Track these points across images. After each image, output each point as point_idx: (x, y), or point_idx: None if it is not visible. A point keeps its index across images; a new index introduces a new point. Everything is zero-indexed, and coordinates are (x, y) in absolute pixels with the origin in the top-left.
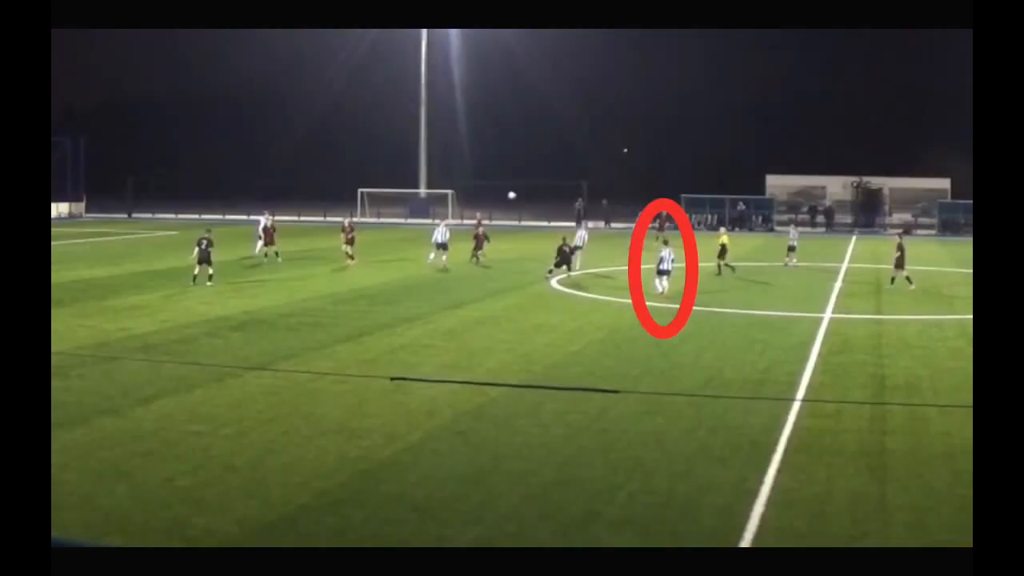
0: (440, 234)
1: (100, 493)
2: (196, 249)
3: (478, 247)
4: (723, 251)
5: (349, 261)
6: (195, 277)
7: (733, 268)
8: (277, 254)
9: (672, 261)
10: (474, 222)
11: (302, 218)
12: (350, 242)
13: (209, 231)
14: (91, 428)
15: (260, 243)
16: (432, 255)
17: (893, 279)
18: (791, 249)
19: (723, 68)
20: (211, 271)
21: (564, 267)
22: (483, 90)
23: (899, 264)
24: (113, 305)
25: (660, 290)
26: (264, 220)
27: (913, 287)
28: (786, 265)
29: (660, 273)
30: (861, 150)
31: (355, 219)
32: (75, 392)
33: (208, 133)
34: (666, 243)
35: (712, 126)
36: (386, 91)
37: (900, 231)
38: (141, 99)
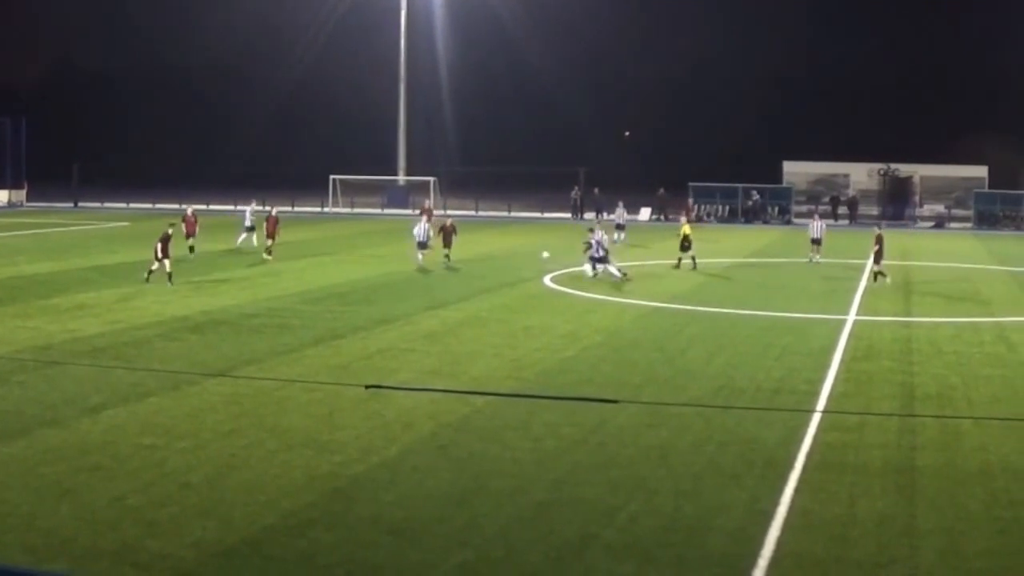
0: (421, 231)
1: (42, 513)
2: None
3: (447, 243)
4: (686, 242)
5: (267, 256)
6: (168, 275)
7: (695, 262)
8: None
9: (604, 246)
10: (440, 213)
11: (266, 208)
12: (271, 235)
13: (172, 225)
14: (32, 441)
15: (244, 234)
16: (420, 255)
17: (875, 275)
18: (815, 243)
19: (736, 40)
20: (168, 267)
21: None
22: (469, 64)
23: (877, 259)
24: (57, 304)
25: (591, 275)
26: (249, 211)
27: (888, 281)
28: (811, 261)
29: (594, 259)
30: (889, 134)
31: (281, 209)
32: (14, 401)
33: (163, 113)
34: (591, 231)
35: (724, 106)
36: (361, 65)
37: (878, 224)
38: (88, 75)
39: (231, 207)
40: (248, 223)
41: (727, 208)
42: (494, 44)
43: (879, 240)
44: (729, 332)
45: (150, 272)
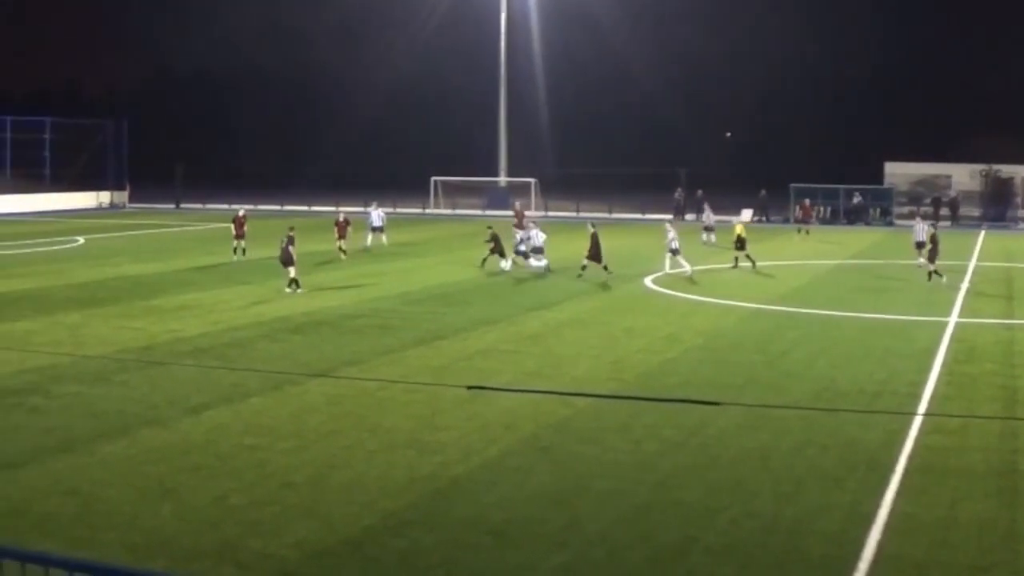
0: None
1: (144, 512)
2: (280, 250)
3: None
4: (740, 243)
5: (342, 255)
6: (292, 283)
7: (753, 263)
8: (243, 251)
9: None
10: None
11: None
12: (343, 236)
13: (292, 229)
14: (134, 440)
15: (372, 235)
16: (533, 261)
17: (930, 274)
18: (920, 246)
19: (838, 40)
20: (292, 273)
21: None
22: (568, 65)
23: (932, 257)
24: (159, 305)
25: (506, 266)
26: (375, 213)
27: (944, 280)
28: (919, 265)
29: (535, 251)
30: (991, 134)
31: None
32: (117, 400)
33: (264, 114)
34: (534, 223)
35: (826, 106)
36: (462, 66)
37: (932, 223)
38: (189, 77)
39: (332, 208)
40: (376, 223)
41: (829, 209)
42: (593, 45)
43: (934, 239)
44: (831, 334)
45: (293, 281)
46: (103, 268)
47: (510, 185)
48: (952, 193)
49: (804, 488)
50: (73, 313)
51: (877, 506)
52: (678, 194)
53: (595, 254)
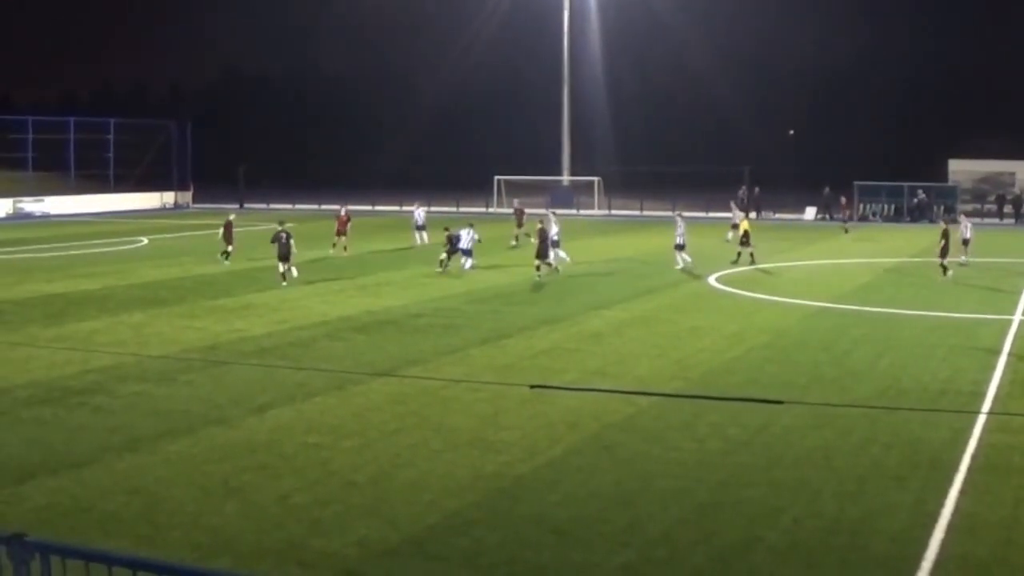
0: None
1: (208, 511)
2: (275, 245)
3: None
4: (745, 238)
5: (342, 251)
6: (284, 275)
7: (753, 258)
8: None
9: (472, 240)
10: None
11: (434, 209)
12: (343, 232)
13: (282, 223)
14: (199, 439)
15: (420, 235)
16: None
17: (944, 270)
18: (965, 243)
19: (902, 37)
20: (292, 268)
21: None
22: (631, 63)
23: (943, 253)
24: (223, 304)
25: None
26: (418, 212)
27: (951, 275)
28: (962, 263)
29: (465, 253)
30: None
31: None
32: (182, 400)
33: (328, 115)
34: (471, 225)
35: (890, 103)
36: (524, 65)
37: (945, 218)
38: (253, 79)
39: (396, 208)
40: (419, 222)
41: (892, 207)
42: (656, 42)
43: (945, 235)
44: (895, 332)
45: (283, 275)
46: (167, 268)
47: (573, 184)
48: (1016, 190)
49: (867, 487)
50: (137, 313)
51: (940, 505)
52: (741, 192)
53: (541, 250)
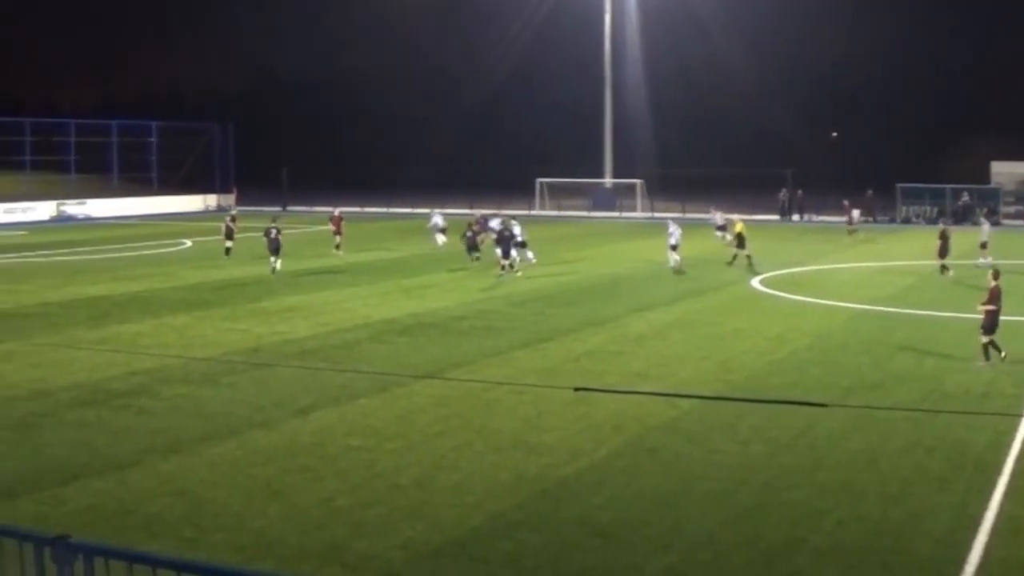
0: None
1: (251, 513)
2: (267, 240)
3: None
4: (740, 240)
5: (334, 250)
6: (274, 269)
7: (750, 260)
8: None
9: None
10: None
11: (474, 211)
12: (339, 232)
13: (275, 220)
14: (242, 442)
15: (441, 237)
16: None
17: (943, 268)
18: (983, 246)
19: (943, 39)
20: (279, 260)
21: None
22: (673, 65)
23: (943, 253)
24: (266, 307)
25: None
26: (436, 218)
27: (951, 274)
28: (977, 265)
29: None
30: None
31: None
32: (225, 402)
33: (369, 117)
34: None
35: (932, 105)
36: (566, 67)
37: (943, 220)
38: (294, 81)
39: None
40: (442, 225)
41: (936, 209)
42: (697, 45)
43: (943, 236)
44: (938, 335)
45: (273, 268)
46: (210, 271)
47: (616, 186)
48: None
49: (911, 490)
50: (181, 315)
51: (984, 508)
52: (783, 194)
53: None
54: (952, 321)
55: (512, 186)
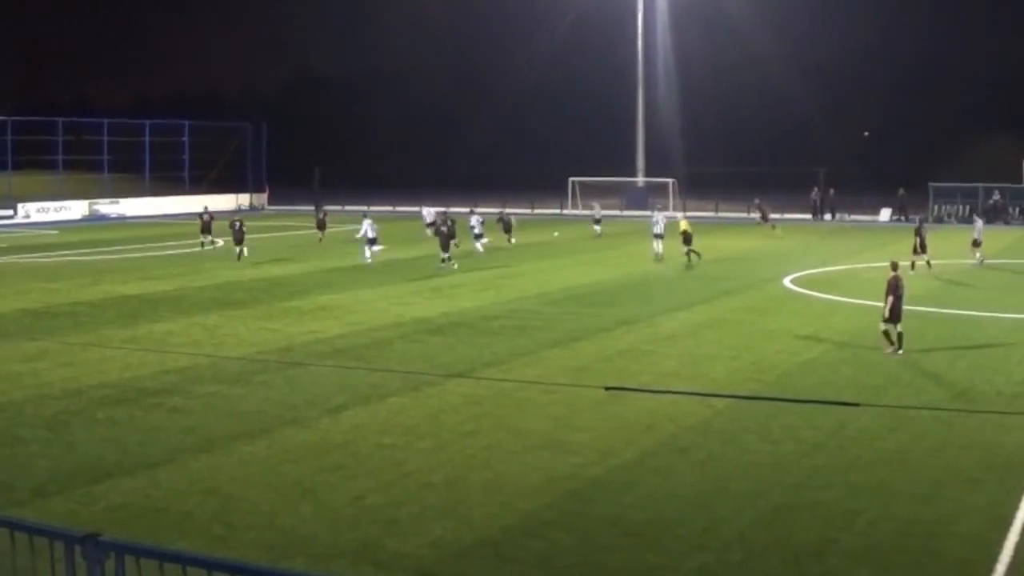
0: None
1: (283, 511)
2: (232, 231)
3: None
4: (686, 238)
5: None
6: (239, 255)
7: (698, 255)
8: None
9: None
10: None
11: (507, 210)
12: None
13: (239, 209)
14: (274, 440)
15: (484, 241)
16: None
17: (927, 263)
18: (976, 244)
19: (974, 38)
20: (244, 248)
21: None
22: (704, 64)
23: (919, 250)
24: (298, 306)
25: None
26: (474, 220)
27: (930, 268)
28: (979, 263)
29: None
30: None
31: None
32: (257, 401)
33: (401, 116)
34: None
35: (964, 104)
36: (598, 66)
37: (919, 218)
38: (327, 79)
39: (466, 209)
40: (479, 231)
41: (967, 208)
42: (729, 44)
43: (918, 232)
44: (970, 335)
45: (238, 255)
46: (242, 270)
47: (648, 185)
48: None
49: (942, 490)
50: (212, 314)
51: (1015, 508)
52: (814, 193)
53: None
54: (984, 320)
55: (545, 185)
